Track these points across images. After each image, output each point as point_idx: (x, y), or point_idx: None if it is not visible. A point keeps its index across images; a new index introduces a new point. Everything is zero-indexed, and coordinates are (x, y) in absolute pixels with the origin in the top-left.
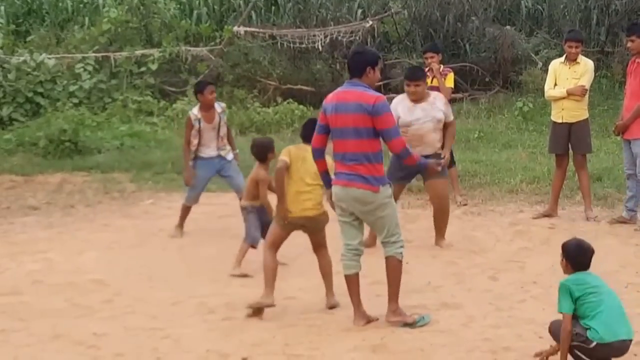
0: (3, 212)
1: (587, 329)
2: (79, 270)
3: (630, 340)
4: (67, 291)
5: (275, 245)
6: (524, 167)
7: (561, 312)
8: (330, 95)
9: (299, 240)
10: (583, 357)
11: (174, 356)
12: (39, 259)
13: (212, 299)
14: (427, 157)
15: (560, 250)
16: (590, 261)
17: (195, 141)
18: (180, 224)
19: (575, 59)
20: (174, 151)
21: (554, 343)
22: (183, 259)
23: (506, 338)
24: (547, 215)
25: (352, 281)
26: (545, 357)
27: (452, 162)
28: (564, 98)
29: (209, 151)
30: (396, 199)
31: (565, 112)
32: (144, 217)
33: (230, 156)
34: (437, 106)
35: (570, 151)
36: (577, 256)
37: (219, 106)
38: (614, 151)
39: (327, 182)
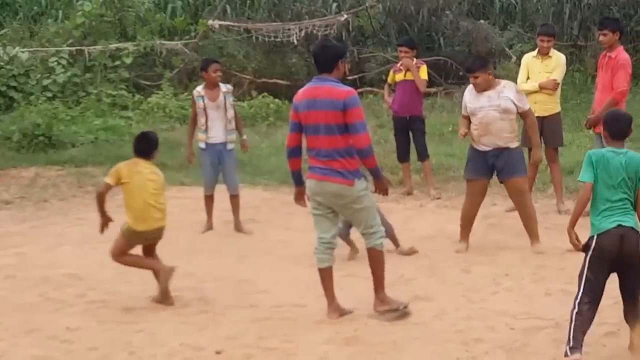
0: None
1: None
2: (52, 265)
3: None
4: (41, 285)
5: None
6: None
7: (581, 181)
8: (300, 93)
9: (273, 234)
10: None
11: (148, 350)
12: (12, 254)
13: (186, 293)
14: (498, 149)
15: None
16: (626, 128)
17: (202, 120)
18: (208, 219)
19: (548, 53)
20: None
21: (527, 336)
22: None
23: (478, 330)
24: None
25: (326, 274)
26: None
27: (426, 156)
28: (536, 92)
29: (215, 135)
30: (483, 196)
31: (538, 106)
32: (118, 211)
33: (230, 146)
34: (504, 94)
35: (543, 144)
36: (612, 123)
37: (224, 86)
38: (586, 145)
39: (297, 180)
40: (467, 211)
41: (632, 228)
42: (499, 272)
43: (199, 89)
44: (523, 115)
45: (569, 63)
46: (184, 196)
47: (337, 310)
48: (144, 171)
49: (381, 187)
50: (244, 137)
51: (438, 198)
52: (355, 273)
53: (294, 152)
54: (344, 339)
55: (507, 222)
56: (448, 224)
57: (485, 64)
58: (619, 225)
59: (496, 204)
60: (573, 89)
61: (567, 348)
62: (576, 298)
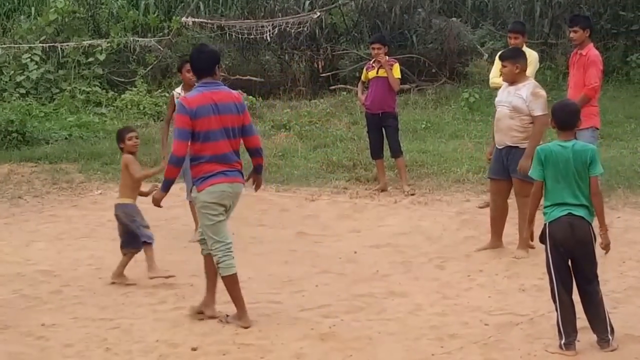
0: None
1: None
2: (27, 261)
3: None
4: (16, 282)
5: None
6: (470, 157)
7: (531, 176)
8: (194, 99)
9: (247, 231)
10: None
11: (124, 346)
12: None
13: (161, 289)
14: (507, 148)
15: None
16: (570, 118)
17: None
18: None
19: None
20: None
21: (501, 332)
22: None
23: (452, 325)
24: None
25: (236, 280)
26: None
27: (399, 152)
28: None
29: None
30: (501, 196)
31: None
32: (92, 208)
33: None
34: (519, 93)
35: None
36: (558, 115)
37: None
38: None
39: (168, 187)
40: (491, 212)
41: (582, 217)
42: (473, 268)
43: (178, 90)
44: (533, 120)
45: (540, 61)
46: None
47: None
48: None
49: (260, 183)
50: None
51: (412, 194)
52: (330, 269)
53: (181, 161)
54: (319, 335)
55: (480, 218)
56: (422, 220)
57: (514, 54)
58: (569, 214)
59: (469, 200)
60: (544, 87)
61: (561, 343)
62: (553, 291)
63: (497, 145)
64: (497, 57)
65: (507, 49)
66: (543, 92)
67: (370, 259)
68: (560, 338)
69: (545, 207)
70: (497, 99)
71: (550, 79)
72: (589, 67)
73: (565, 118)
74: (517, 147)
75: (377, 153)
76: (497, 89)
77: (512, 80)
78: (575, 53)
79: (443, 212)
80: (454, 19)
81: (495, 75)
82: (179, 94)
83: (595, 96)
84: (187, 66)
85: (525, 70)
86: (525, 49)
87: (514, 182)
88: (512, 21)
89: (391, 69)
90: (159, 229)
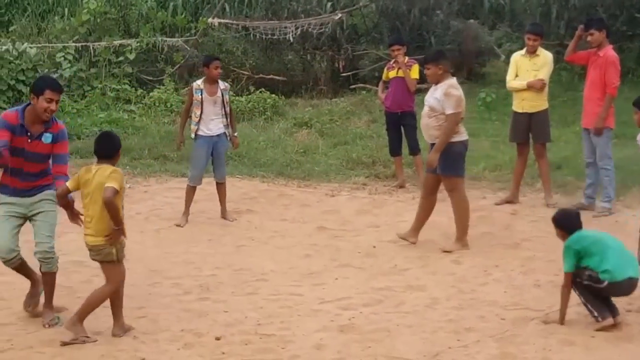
0: None
1: (597, 271)
2: (59, 252)
3: (637, 279)
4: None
5: None
6: (486, 155)
7: (565, 272)
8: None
9: (270, 225)
10: (590, 304)
11: (151, 335)
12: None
13: (186, 280)
14: (430, 145)
15: (521, 235)
16: (579, 222)
17: (197, 112)
18: (186, 211)
19: (535, 52)
20: (151, 138)
21: (517, 326)
22: (159, 241)
23: (469, 319)
24: (509, 201)
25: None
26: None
27: (417, 150)
28: (524, 89)
29: (209, 128)
30: (430, 189)
31: (526, 103)
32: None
33: (225, 138)
34: (435, 93)
35: (531, 140)
36: (566, 222)
37: (222, 84)
38: (573, 140)
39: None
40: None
41: None
42: (489, 264)
43: (199, 82)
44: (445, 117)
45: (555, 62)
46: (185, 187)
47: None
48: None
49: None
50: (236, 134)
51: None
52: (349, 263)
53: None
54: (338, 326)
55: (496, 214)
56: (438, 216)
57: (436, 57)
58: None
59: (486, 197)
60: (560, 87)
61: (596, 316)
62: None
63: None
64: (512, 59)
65: (430, 52)
66: (455, 92)
67: (389, 253)
68: (593, 313)
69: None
70: (425, 97)
71: (566, 80)
72: (608, 68)
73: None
74: (432, 143)
75: (395, 150)
76: (514, 91)
77: (437, 81)
78: (594, 54)
79: None
80: (471, 20)
81: (512, 78)
82: (199, 85)
83: (616, 94)
84: (216, 63)
85: (447, 71)
86: (540, 50)
87: (442, 179)
88: (529, 23)
89: (409, 70)
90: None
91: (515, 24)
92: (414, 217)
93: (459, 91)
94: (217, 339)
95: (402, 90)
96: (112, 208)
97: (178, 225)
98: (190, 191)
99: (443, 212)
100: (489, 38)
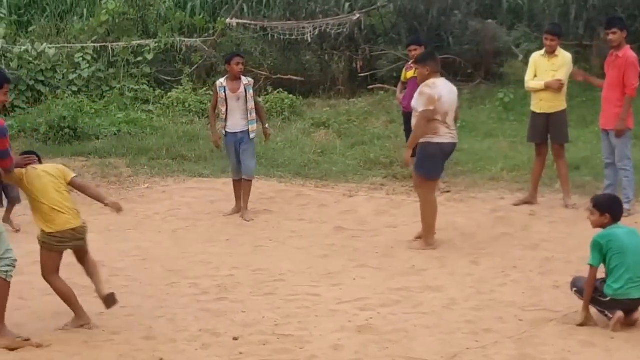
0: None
1: (604, 283)
2: None
3: None
4: (66, 271)
5: (57, 271)
6: (505, 155)
7: (589, 265)
8: None
9: (287, 225)
10: (598, 307)
11: (168, 335)
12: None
13: (204, 280)
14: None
15: (540, 236)
16: (619, 209)
17: (223, 109)
18: (237, 202)
19: (554, 52)
20: (169, 138)
21: (535, 328)
22: (177, 241)
23: (487, 320)
24: (527, 202)
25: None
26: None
27: None
28: (542, 90)
29: (234, 124)
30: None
31: (544, 103)
32: (139, 201)
33: (252, 135)
34: (416, 94)
35: (550, 141)
36: (613, 207)
37: (245, 79)
38: (592, 141)
39: None
40: None
41: None
42: (507, 264)
43: (222, 80)
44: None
45: (575, 62)
46: (203, 187)
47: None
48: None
49: None
50: (267, 126)
51: (448, 192)
52: (367, 263)
53: None
54: (356, 327)
55: (514, 215)
56: (457, 217)
57: (424, 58)
58: None
59: (504, 197)
60: (579, 87)
61: (606, 314)
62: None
63: None
64: (531, 59)
65: (419, 54)
66: (428, 90)
67: (407, 253)
68: (603, 313)
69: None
70: None
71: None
72: (627, 69)
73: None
74: (419, 143)
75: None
76: (532, 91)
77: (422, 81)
78: (612, 54)
79: (478, 209)
80: (490, 20)
81: (530, 78)
82: (222, 83)
83: (635, 95)
84: (238, 59)
85: (435, 72)
86: (559, 50)
87: (414, 177)
88: (547, 23)
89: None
90: (201, 221)
91: (533, 24)
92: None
93: (433, 90)
94: (235, 339)
95: None
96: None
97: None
98: (235, 184)
99: (462, 212)
100: (507, 38)
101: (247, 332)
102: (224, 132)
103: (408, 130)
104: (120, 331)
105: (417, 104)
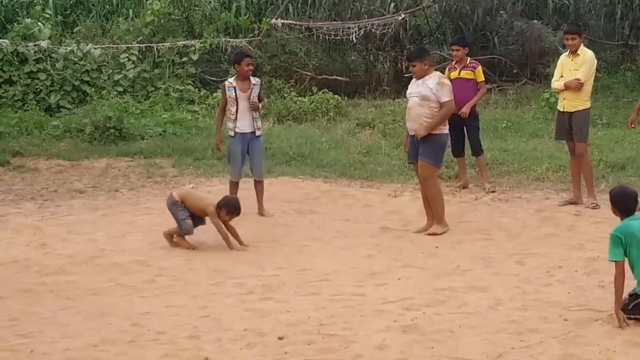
0: (51, 195)
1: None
2: (122, 252)
3: None
4: (112, 271)
5: None
6: (550, 155)
7: (612, 260)
8: None
9: (332, 225)
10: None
11: (213, 334)
12: (84, 240)
13: (249, 280)
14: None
15: (585, 236)
16: (634, 205)
17: (233, 109)
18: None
19: (576, 51)
20: (214, 138)
21: (580, 328)
22: (222, 241)
23: (532, 320)
24: (572, 202)
25: None
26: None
27: (480, 151)
28: (564, 89)
29: (244, 124)
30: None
31: (566, 102)
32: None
33: (258, 132)
34: (427, 84)
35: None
36: (619, 199)
37: (254, 79)
38: (638, 141)
39: None
40: (422, 195)
41: None
42: (552, 264)
43: (231, 80)
44: (441, 105)
45: (620, 62)
46: (248, 187)
47: None
48: None
49: None
50: (264, 102)
51: (493, 192)
52: (412, 263)
53: None
54: (401, 327)
55: (559, 215)
56: (502, 217)
57: (421, 54)
58: None
59: (549, 198)
60: (625, 88)
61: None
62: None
63: (409, 132)
64: (559, 60)
65: (412, 50)
66: (447, 81)
67: (452, 253)
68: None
69: None
70: (408, 91)
71: (631, 81)
72: None
73: (631, 205)
74: (430, 134)
75: (458, 151)
76: (558, 92)
77: (422, 75)
78: None
79: (523, 209)
80: (535, 21)
81: (556, 78)
82: (231, 83)
83: None
84: (248, 60)
85: (432, 65)
86: (582, 49)
87: (419, 165)
88: (593, 23)
89: (474, 71)
90: (245, 221)
91: (580, 24)
92: (476, 218)
93: (448, 81)
94: (280, 338)
95: (464, 90)
96: None
97: None
98: (233, 186)
99: (508, 212)
100: (553, 38)
101: (292, 332)
102: (232, 133)
103: (454, 130)
104: (165, 330)
105: (441, 94)
